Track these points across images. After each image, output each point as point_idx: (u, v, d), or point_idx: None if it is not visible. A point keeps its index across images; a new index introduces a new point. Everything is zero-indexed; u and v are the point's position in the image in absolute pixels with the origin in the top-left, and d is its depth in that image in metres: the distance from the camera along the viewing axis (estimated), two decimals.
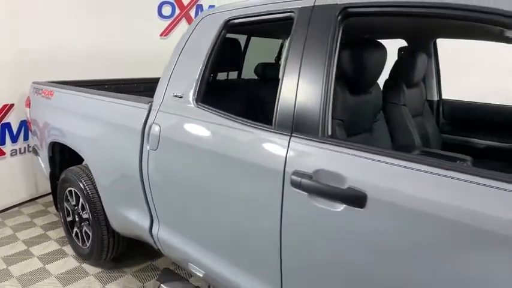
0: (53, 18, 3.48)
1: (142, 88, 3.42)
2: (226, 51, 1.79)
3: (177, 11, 4.52)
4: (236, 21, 1.60)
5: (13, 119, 3.39)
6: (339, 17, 1.24)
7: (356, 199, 1.06)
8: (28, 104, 2.95)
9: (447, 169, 0.96)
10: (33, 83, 2.92)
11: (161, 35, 4.46)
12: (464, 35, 2.18)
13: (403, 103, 2.11)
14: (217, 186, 1.50)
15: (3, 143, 3.37)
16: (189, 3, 4.56)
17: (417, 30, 2.16)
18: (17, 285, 2.37)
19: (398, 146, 2.06)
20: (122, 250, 2.53)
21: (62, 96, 2.54)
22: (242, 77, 3.18)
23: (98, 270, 2.55)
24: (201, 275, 1.75)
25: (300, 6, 1.35)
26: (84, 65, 3.67)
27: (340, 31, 1.25)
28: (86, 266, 2.59)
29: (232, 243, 1.54)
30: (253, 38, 3.08)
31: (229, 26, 1.63)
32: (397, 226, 1.02)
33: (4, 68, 3.19)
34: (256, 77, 2.87)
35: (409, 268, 1.01)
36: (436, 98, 2.65)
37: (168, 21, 4.48)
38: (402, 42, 2.53)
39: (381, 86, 2.09)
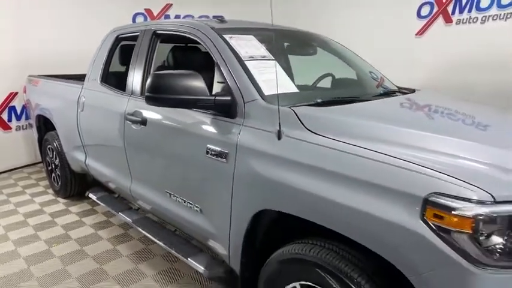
0: (51, 25, 4.75)
1: None
2: (126, 54, 3.00)
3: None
4: (121, 36, 2.84)
5: (17, 103, 4.74)
6: (153, 36, 2.45)
7: (144, 122, 2.25)
8: (25, 91, 4.27)
9: None
10: (28, 76, 4.23)
11: None
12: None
13: None
14: (104, 127, 2.71)
15: (10, 120, 4.72)
16: (158, 13, 5.83)
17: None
18: (13, 207, 3.68)
19: None
20: (81, 189, 3.77)
21: (43, 83, 3.84)
22: None
23: (66, 200, 3.83)
24: (114, 187, 2.97)
25: (141, 29, 2.58)
26: (72, 62, 4.89)
27: (157, 43, 2.45)
28: (59, 199, 3.88)
29: (115, 160, 2.75)
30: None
31: (119, 39, 2.86)
32: (158, 133, 2.20)
33: (13, 65, 4.52)
34: None
35: (162, 154, 2.19)
36: None
37: None
38: None
39: None
